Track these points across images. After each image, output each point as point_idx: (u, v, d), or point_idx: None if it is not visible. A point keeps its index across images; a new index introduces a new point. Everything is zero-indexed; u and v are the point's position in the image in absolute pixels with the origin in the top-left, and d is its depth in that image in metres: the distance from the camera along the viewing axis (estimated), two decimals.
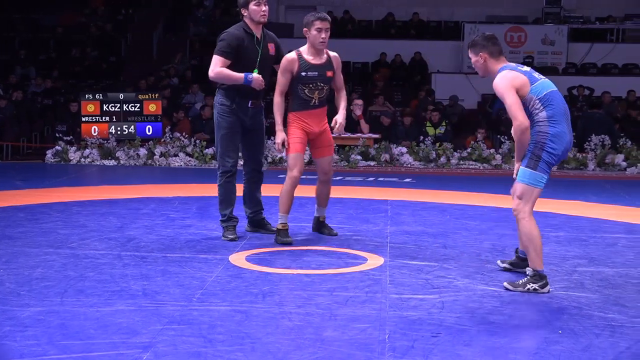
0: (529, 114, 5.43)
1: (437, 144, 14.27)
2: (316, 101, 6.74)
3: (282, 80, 6.70)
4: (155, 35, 22.98)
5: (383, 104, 17.33)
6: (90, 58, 21.49)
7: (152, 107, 14.70)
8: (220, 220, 7.07)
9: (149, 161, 13.81)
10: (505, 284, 5.46)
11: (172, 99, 17.74)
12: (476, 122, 16.57)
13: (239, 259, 6.14)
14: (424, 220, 8.17)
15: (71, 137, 14.61)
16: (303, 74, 6.66)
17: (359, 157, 13.83)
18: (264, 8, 6.91)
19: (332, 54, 6.94)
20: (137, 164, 13.75)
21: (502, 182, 11.57)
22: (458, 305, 4.96)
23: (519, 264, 5.86)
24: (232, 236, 6.91)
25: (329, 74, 6.81)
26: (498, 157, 13.94)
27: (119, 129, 14.60)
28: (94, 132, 14.53)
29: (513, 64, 5.62)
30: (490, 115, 17.92)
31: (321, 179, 7.01)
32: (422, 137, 14.53)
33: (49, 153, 14.35)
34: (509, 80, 5.42)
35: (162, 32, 23.44)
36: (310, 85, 6.67)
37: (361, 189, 10.71)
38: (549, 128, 5.38)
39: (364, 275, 5.69)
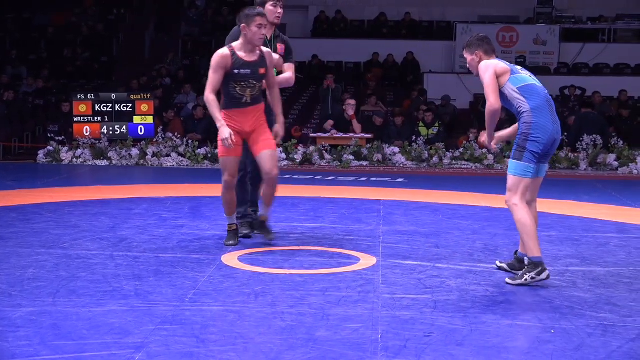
0: (515, 108, 5.62)
1: (429, 147, 14.27)
2: (248, 99, 6.40)
3: (214, 78, 6.37)
4: (148, 35, 22.95)
5: (376, 104, 17.34)
6: (82, 58, 21.45)
7: (145, 107, 14.69)
8: (236, 217, 7.05)
9: (141, 161, 13.80)
10: (506, 280, 5.56)
11: (165, 99, 17.73)
12: (468, 122, 16.61)
13: (231, 259, 6.14)
14: (417, 220, 8.18)
15: (63, 137, 14.60)
16: (235, 71, 6.35)
17: (351, 157, 13.84)
18: (279, 10, 6.96)
19: (265, 50, 6.53)
20: (129, 164, 13.74)
21: (494, 182, 11.59)
22: (450, 305, 4.96)
23: (515, 265, 5.87)
24: (246, 231, 6.99)
25: (262, 71, 6.43)
26: (490, 157, 13.96)
27: (111, 129, 14.59)
28: (86, 132, 14.51)
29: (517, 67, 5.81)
30: (483, 115, 17.92)
31: (264, 178, 6.56)
32: (414, 137, 14.55)
33: (41, 153, 14.33)
34: (490, 64, 5.65)
35: (154, 32, 23.42)
36: (242, 83, 6.35)
37: (354, 189, 10.72)
38: (532, 118, 5.54)
39: (356, 275, 5.69)
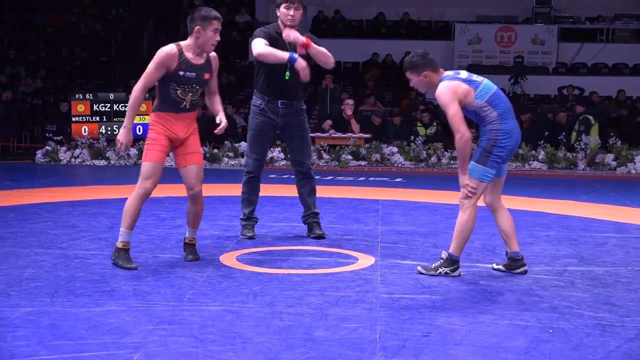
0: (481, 117, 5.65)
1: (428, 147, 14.28)
2: (187, 104, 5.89)
3: (153, 75, 5.89)
4: (146, 35, 22.95)
5: (374, 104, 17.34)
6: (80, 58, 21.45)
7: (143, 108, 14.66)
8: (240, 219, 7.15)
9: (140, 161, 13.75)
10: (418, 267, 5.74)
11: None
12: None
13: (229, 259, 6.14)
14: (415, 219, 8.18)
15: (61, 137, 14.60)
16: (181, 73, 5.85)
17: (349, 157, 13.84)
18: (291, 12, 6.86)
19: (212, 54, 6.07)
20: (127, 164, 13.74)
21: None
22: (449, 304, 4.97)
23: (511, 265, 5.87)
24: (249, 234, 6.98)
25: (207, 76, 5.98)
26: None
27: (109, 129, 14.59)
28: (84, 132, 14.51)
29: (452, 73, 5.76)
30: None
31: (189, 194, 6.03)
32: (412, 137, 14.55)
33: (39, 153, 14.32)
34: (451, 90, 5.59)
35: (153, 32, 23.41)
36: (185, 87, 5.86)
37: (352, 189, 10.72)
38: (500, 125, 5.61)
39: (355, 275, 5.69)
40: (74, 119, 14.67)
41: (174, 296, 5.03)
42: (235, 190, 10.13)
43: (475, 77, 5.71)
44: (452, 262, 5.68)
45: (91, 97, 14.79)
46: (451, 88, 5.57)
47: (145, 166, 5.81)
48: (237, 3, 23.87)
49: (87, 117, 14.64)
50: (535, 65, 20.83)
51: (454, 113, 5.53)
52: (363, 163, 13.93)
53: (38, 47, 22.08)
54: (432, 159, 14.00)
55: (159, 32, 23.45)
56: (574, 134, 15.02)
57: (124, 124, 5.92)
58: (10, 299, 4.88)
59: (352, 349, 4.08)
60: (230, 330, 4.35)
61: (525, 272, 5.84)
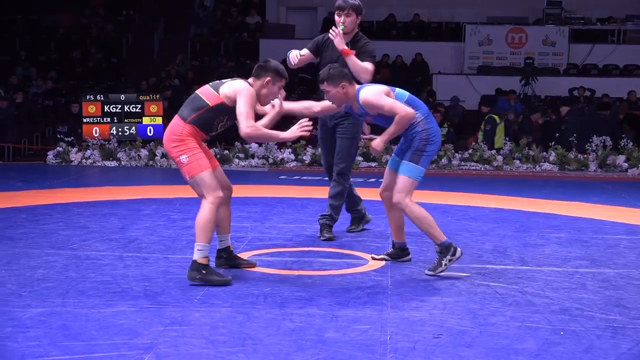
0: (411, 123, 5.74)
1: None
2: (216, 132, 5.75)
3: (251, 113, 5.45)
4: (157, 37, 23.00)
5: None
6: (91, 59, 21.51)
7: (154, 108, 14.73)
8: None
9: (150, 162, 13.82)
10: (426, 272, 5.78)
11: (173, 100, 17.74)
12: (477, 123, 16.57)
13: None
14: None
15: (72, 138, 14.63)
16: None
17: (360, 158, 13.83)
18: (342, 19, 6.93)
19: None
20: (138, 165, 13.76)
21: (503, 183, 11.60)
22: (459, 306, 4.96)
23: (399, 254, 6.21)
24: (328, 235, 7.09)
25: None
26: (499, 158, 13.95)
27: (120, 130, 14.62)
28: (95, 133, 14.55)
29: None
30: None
31: (225, 196, 5.70)
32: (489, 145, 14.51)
33: (50, 154, 14.36)
34: (376, 89, 5.75)
35: (163, 33, 23.46)
36: (229, 122, 5.61)
37: (362, 190, 10.68)
38: (428, 125, 5.76)
39: (365, 277, 5.69)
40: (85, 120, 14.70)
41: (185, 297, 5.04)
42: (246, 191, 10.15)
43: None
44: (447, 247, 5.76)
45: (102, 98, 14.82)
46: (374, 88, 5.75)
47: (205, 176, 5.40)
48: (248, 4, 23.89)
49: (98, 118, 14.68)
50: (546, 66, 20.77)
51: (391, 101, 5.68)
52: (374, 164, 13.93)
53: (49, 48, 22.14)
54: (443, 160, 13.98)
55: (169, 33, 23.50)
56: (480, 133, 15.10)
57: (283, 135, 5.60)
58: (21, 300, 4.90)
59: (363, 351, 4.08)
60: (240, 332, 4.35)
61: (409, 260, 6.21)
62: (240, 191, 10.12)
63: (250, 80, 5.61)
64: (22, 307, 4.73)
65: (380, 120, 5.85)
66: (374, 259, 6.24)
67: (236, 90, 5.46)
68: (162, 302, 4.91)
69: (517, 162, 14.05)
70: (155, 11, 23.66)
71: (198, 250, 5.33)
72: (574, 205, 9.64)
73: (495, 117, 15.07)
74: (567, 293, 5.34)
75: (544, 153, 14.20)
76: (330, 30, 6.87)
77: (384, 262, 6.15)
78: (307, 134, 5.54)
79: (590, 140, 14.31)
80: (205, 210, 5.37)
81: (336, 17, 6.97)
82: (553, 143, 14.35)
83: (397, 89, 5.84)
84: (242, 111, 5.39)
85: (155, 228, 7.45)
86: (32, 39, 22.40)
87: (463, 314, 4.79)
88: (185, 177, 5.48)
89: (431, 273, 5.73)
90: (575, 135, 14.51)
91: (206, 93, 5.53)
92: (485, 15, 22.45)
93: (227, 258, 5.88)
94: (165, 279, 5.50)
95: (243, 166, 13.82)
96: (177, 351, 4.03)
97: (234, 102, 5.44)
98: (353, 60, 6.77)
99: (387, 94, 5.74)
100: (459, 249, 5.80)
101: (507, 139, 14.57)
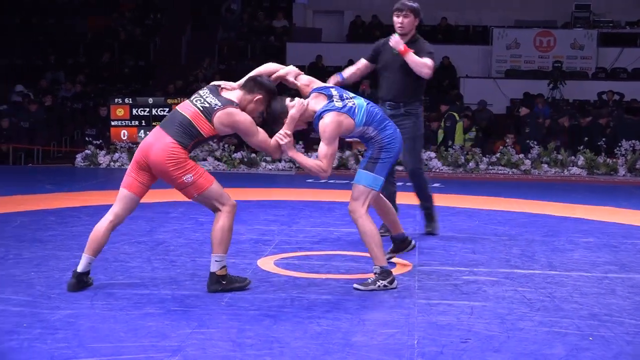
0: (364, 138, 5.61)
1: (466, 152, 14.22)
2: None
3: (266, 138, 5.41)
4: (184, 40, 23.11)
5: None
6: (119, 63, 21.65)
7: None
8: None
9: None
10: (355, 285, 5.48)
11: None
12: (505, 127, 16.51)
13: (267, 263, 6.15)
14: (453, 225, 8.15)
15: (101, 141, 14.72)
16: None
17: None
18: (400, 20, 7.06)
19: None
20: None
21: (532, 188, 11.54)
22: (487, 311, 4.94)
23: (400, 246, 6.28)
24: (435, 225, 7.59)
25: None
26: (527, 162, 13.88)
27: (148, 132, 14.65)
28: (124, 136, 14.63)
29: (324, 97, 5.51)
30: (519, 120, 17.85)
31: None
32: (450, 142, 14.50)
33: (79, 157, 14.45)
34: (337, 126, 5.40)
35: (191, 37, 23.57)
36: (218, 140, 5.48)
37: None
38: (381, 134, 5.54)
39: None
40: (113, 123, 14.79)
41: (212, 300, 5.05)
42: (272, 194, 10.16)
43: (346, 99, 5.52)
44: (387, 272, 5.49)
45: (130, 102, 14.90)
46: (338, 123, 5.40)
47: (215, 188, 5.34)
48: (275, 8, 23.94)
49: (126, 121, 14.76)
50: (574, 70, 20.66)
51: (332, 151, 5.42)
52: (400, 168, 13.85)
53: (78, 52, 22.31)
54: (470, 164, 13.94)
55: (196, 36, 23.60)
56: (440, 131, 15.11)
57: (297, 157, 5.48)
58: (50, 302, 4.93)
59: (390, 355, 4.08)
60: (267, 335, 4.36)
61: (414, 246, 6.31)
62: (267, 194, 10.16)
63: (239, 93, 5.45)
64: (51, 309, 4.76)
65: (352, 135, 5.66)
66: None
67: (233, 125, 5.29)
68: (189, 305, 4.93)
69: (546, 166, 13.97)
70: (183, 15, 23.78)
71: (216, 261, 5.27)
72: (603, 209, 9.57)
73: (455, 114, 15.24)
74: (596, 298, 5.30)
75: (573, 157, 14.11)
76: (391, 37, 7.08)
77: (411, 266, 6.13)
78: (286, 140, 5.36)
79: (620, 144, 14.20)
80: (224, 221, 5.33)
81: (394, 18, 7.11)
82: (582, 147, 14.26)
83: (357, 107, 5.46)
84: (261, 141, 5.35)
85: (182, 231, 7.47)
86: (62, 42, 22.58)
87: (491, 318, 4.77)
88: (192, 195, 5.34)
89: (361, 287, 5.43)
90: (604, 139, 14.42)
91: (198, 121, 5.33)
92: (513, 19, 22.35)
93: (85, 282, 5.41)
94: (192, 281, 5.51)
95: (270, 170, 13.84)
96: (205, 354, 4.04)
97: (227, 132, 5.38)
98: (411, 58, 6.92)
99: (347, 129, 5.44)
100: (396, 281, 5.51)
101: (535, 142, 14.49)
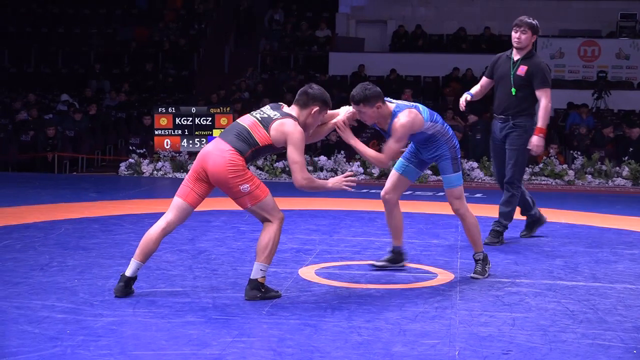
0: (429, 135, 5.91)
1: None
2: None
3: (304, 162, 5.48)
4: (227, 50, 23.25)
5: (452, 118, 17.25)
6: (163, 72, 21.84)
7: (224, 121, 14.85)
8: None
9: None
10: (472, 275, 6.11)
11: (243, 112, 17.89)
12: (548, 137, 16.37)
13: (308, 272, 6.15)
14: None
15: (144, 149, 14.84)
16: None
17: (429, 172, 13.76)
18: (517, 35, 7.55)
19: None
20: None
21: (575, 198, 11.43)
22: (529, 322, 4.90)
23: (397, 259, 6.33)
24: (491, 239, 7.62)
25: None
26: (571, 172, 13.76)
27: (190, 142, 14.78)
28: (167, 145, 14.73)
29: (400, 101, 5.97)
30: (564, 130, 17.70)
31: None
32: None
33: (123, 165, 14.59)
34: (411, 124, 5.78)
35: (234, 47, 23.71)
36: (270, 156, 5.71)
37: (431, 204, 10.66)
38: (447, 128, 5.98)
39: (433, 291, 5.66)
40: (156, 132, 14.90)
41: (253, 309, 5.07)
42: (314, 204, 10.17)
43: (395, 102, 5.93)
44: (486, 257, 6.22)
45: (173, 111, 15.01)
46: (412, 121, 5.77)
47: (269, 200, 5.39)
48: (318, 18, 24.01)
49: (170, 131, 14.86)
50: (619, 80, 20.45)
51: (398, 148, 5.82)
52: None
53: (122, 61, 22.55)
54: None
55: (239, 46, 23.74)
56: None
57: (327, 186, 5.62)
58: (93, 309, 4.98)
59: None
60: (308, 344, 4.36)
61: (404, 265, 6.36)
62: (308, 204, 10.17)
63: (296, 109, 5.51)
64: (94, 316, 4.81)
65: (412, 138, 5.99)
66: (374, 265, 6.33)
67: (286, 134, 5.37)
68: (230, 314, 4.95)
69: (589, 177, 13.84)
70: (226, 25, 23.93)
71: (260, 270, 5.31)
72: None
73: None
74: None
75: (617, 168, 13.96)
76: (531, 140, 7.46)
77: (452, 276, 6.11)
78: (350, 189, 5.52)
79: None
80: (273, 232, 5.35)
81: (513, 33, 7.58)
82: (626, 158, 14.10)
83: (421, 107, 5.92)
84: (297, 161, 5.35)
85: (224, 240, 7.51)
86: (106, 52, 22.84)
87: (533, 330, 4.73)
88: (246, 205, 5.39)
89: (478, 276, 6.09)
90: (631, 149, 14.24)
91: (255, 130, 5.40)
92: (557, 28, 22.19)
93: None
94: (233, 290, 5.53)
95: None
96: None
97: (281, 143, 5.41)
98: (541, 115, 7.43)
99: (419, 126, 5.80)
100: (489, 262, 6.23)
101: (579, 153, 14.36)
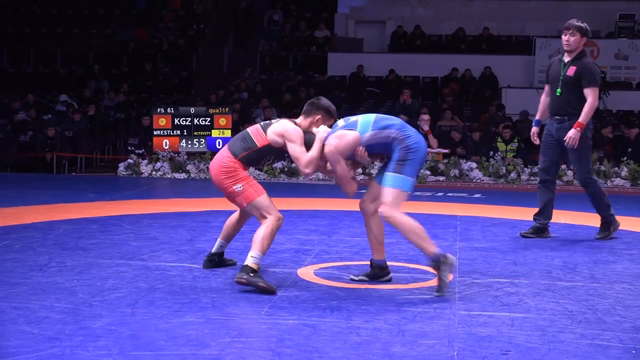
0: (384, 143, 5.64)
1: (507, 163, 14.14)
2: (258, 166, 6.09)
3: (304, 151, 5.74)
4: (226, 50, 23.25)
5: (451, 118, 17.26)
6: (162, 73, 21.84)
7: (223, 121, 14.85)
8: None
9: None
10: (436, 294, 5.51)
11: (242, 113, 17.91)
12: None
13: (307, 273, 6.16)
14: (494, 236, 8.10)
15: (143, 150, 14.83)
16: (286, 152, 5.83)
17: (427, 172, 13.77)
18: (567, 38, 7.77)
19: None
20: (207, 177, 13.88)
21: (573, 199, 11.42)
22: (528, 322, 4.90)
23: (377, 274, 5.93)
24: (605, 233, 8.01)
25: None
26: (569, 173, 13.76)
27: (189, 142, 14.78)
28: (165, 146, 14.72)
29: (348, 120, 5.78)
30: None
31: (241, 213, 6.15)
32: (491, 153, 14.41)
33: (121, 166, 14.58)
34: (337, 146, 5.62)
35: (233, 47, 23.71)
36: (274, 161, 6.08)
37: (430, 204, 10.66)
38: (404, 134, 5.62)
39: (432, 291, 5.65)
40: (155, 133, 14.89)
41: (252, 309, 5.07)
42: (312, 204, 10.17)
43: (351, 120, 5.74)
44: (442, 257, 5.49)
45: (172, 111, 15.00)
46: (336, 143, 5.59)
47: (263, 200, 5.66)
48: (317, 18, 24.02)
49: (168, 131, 14.85)
50: (618, 80, 20.46)
51: (316, 159, 5.65)
52: (441, 178, 13.85)
53: (121, 62, 22.55)
54: (512, 174, 13.84)
55: (238, 47, 23.74)
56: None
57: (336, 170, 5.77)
58: (92, 309, 4.98)
59: None
60: (307, 345, 4.36)
61: (390, 279, 5.93)
62: (307, 204, 10.17)
63: (300, 118, 5.82)
64: (93, 317, 4.81)
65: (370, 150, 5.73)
66: (352, 280, 5.94)
67: (283, 133, 5.65)
68: (229, 314, 4.95)
69: None
70: (225, 25, 23.94)
71: (252, 257, 5.52)
72: None
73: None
74: None
75: (616, 168, 13.96)
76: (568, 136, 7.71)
77: (451, 277, 6.09)
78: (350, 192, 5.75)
79: None
80: (267, 227, 5.61)
81: (562, 36, 7.81)
82: (625, 158, 14.10)
83: (360, 120, 5.66)
84: (297, 155, 5.64)
85: None
86: (105, 53, 22.85)
87: (532, 330, 4.73)
88: (242, 204, 5.74)
89: (441, 293, 5.49)
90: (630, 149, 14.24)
91: (256, 134, 5.75)
92: (556, 29, 22.16)
93: (217, 262, 6.25)
94: (232, 290, 5.53)
95: (311, 179, 13.86)
96: None
97: (279, 144, 5.68)
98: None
99: (338, 146, 5.58)
100: (450, 256, 5.52)
101: None
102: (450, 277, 5.65)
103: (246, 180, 5.67)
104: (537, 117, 8.13)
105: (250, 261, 5.50)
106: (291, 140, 5.62)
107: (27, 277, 5.82)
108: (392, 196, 5.58)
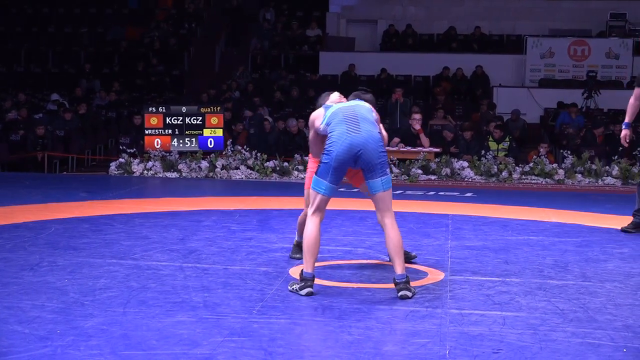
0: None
1: (499, 162, 14.16)
2: None
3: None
4: (218, 49, 23.22)
5: (443, 117, 17.27)
6: (153, 72, 21.81)
7: (214, 120, 14.82)
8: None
9: (211, 174, 13.92)
10: (289, 286, 5.58)
11: (234, 112, 17.90)
12: (538, 137, 16.43)
13: (298, 272, 6.15)
14: (485, 235, 8.11)
15: (134, 149, 14.80)
16: None
17: (419, 171, 13.78)
18: None
19: None
20: (198, 176, 13.88)
21: (565, 197, 11.46)
22: (519, 321, 4.91)
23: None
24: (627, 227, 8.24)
25: None
26: (561, 172, 13.78)
27: (181, 141, 14.75)
28: (157, 145, 14.69)
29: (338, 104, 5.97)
30: (553, 129, 17.75)
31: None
32: (483, 152, 14.43)
33: (113, 165, 14.54)
34: (312, 117, 5.98)
35: (224, 46, 23.69)
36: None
37: (422, 203, 10.67)
38: (329, 134, 5.64)
39: (424, 290, 5.66)
40: (146, 132, 14.85)
41: (244, 308, 5.07)
42: (304, 203, 10.16)
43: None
44: (307, 280, 5.46)
45: (164, 110, 14.96)
46: (313, 116, 5.94)
47: (309, 193, 5.91)
48: (308, 17, 24.01)
49: (160, 130, 14.81)
50: (609, 79, 20.50)
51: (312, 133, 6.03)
52: (433, 177, 13.85)
53: (112, 61, 22.51)
54: (503, 173, 13.86)
55: (230, 46, 23.72)
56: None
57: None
58: (84, 309, 4.97)
59: None
60: (299, 344, 4.36)
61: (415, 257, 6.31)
62: (299, 203, 10.15)
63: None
64: (84, 316, 4.80)
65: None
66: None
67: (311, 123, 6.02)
68: (221, 313, 4.95)
69: (579, 176, 13.86)
70: (217, 25, 23.92)
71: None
72: None
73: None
74: (631, 309, 5.25)
75: (607, 167, 13.99)
76: None
77: (442, 275, 6.11)
78: None
79: None
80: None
81: None
82: (616, 157, 14.13)
83: (330, 112, 5.74)
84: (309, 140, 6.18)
85: (215, 239, 7.50)
86: (97, 51, 22.82)
87: (523, 329, 4.74)
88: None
89: (289, 288, 5.56)
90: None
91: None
92: (547, 28, 22.26)
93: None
94: (224, 290, 5.54)
95: (302, 178, 13.84)
96: None
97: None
98: None
99: (312, 120, 5.93)
100: (307, 290, 5.41)
101: (569, 152, 14.39)
102: (304, 292, 5.43)
103: (311, 170, 6.30)
104: (626, 120, 8.23)
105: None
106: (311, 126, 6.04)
107: (19, 276, 5.81)
108: (311, 197, 5.73)
